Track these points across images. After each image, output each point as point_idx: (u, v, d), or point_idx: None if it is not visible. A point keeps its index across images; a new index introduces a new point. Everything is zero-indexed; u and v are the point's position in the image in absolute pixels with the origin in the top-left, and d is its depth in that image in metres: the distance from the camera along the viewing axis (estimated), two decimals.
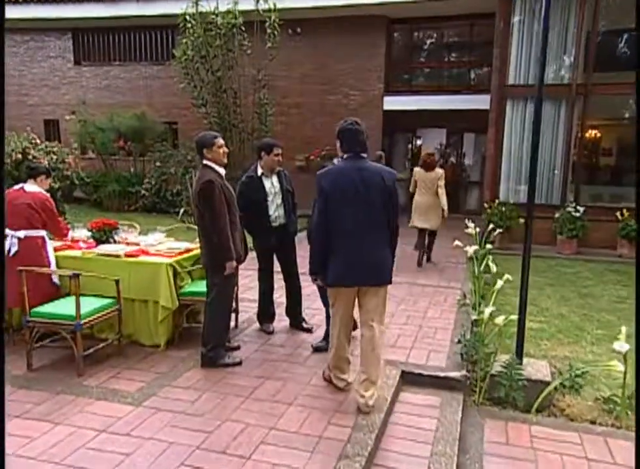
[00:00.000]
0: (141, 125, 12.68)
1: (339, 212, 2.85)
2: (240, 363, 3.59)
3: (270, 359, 3.75)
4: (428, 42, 13.14)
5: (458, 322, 4.77)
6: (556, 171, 9.22)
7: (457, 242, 5.84)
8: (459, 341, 4.21)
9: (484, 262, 5.74)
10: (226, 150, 3.39)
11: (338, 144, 2.96)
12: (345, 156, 2.94)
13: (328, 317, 3.61)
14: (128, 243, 4.25)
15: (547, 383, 3.34)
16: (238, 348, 3.90)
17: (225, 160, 3.38)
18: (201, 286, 3.87)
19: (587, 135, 9.71)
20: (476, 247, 5.25)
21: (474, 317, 4.63)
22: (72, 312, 3.36)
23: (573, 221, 8.54)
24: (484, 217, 9.11)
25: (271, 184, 4.06)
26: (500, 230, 6.76)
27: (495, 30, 9.56)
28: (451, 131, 13.45)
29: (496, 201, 9.20)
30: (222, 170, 3.39)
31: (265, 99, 11.04)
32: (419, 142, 14.02)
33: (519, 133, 9.35)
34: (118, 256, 3.88)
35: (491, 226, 7.59)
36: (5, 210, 3.27)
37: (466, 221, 7.24)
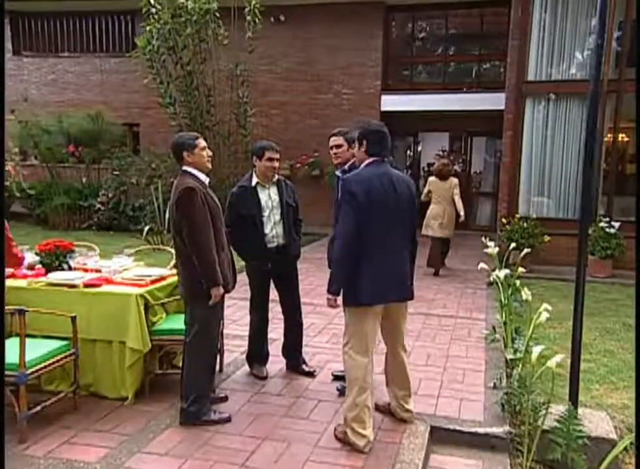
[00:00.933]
0: (95, 127, 12.48)
1: (371, 221, 2.98)
2: (229, 420, 3.42)
3: (266, 412, 3.59)
4: (431, 33, 13.24)
5: (490, 362, 4.62)
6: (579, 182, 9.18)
7: (482, 265, 5.76)
8: (495, 386, 4.04)
9: (511, 289, 5.67)
10: (210, 153, 3.35)
11: (361, 148, 3.10)
12: (369, 160, 3.08)
13: None
14: (86, 270, 4.03)
15: (612, 442, 3.14)
16: (225, 399, 3.74)
17: (210, 165, 3.34)
18: (179, 322, 3.74)
19: (620, 139, 9.75)
20: (507, 271, 5.09)
21: (509, 356, 4.46)
22: (15, 359, 3.12)
23: (608, 239, 8.48)
24: (502, 235, 9.04)
25: (268, 196, 3.98)
26: (529, 250, 6.63)
27: (511, 19, 9.61)
28: (455, 134, 13.52)
29: (517, 216, 9.11)
30: (205, 178, 3.32)
31: (244, 97, 10.98)
32: (419, 148, 14.11)
33: (541, 137, 9.35)
34: (74, 286, 3.72)
35: (513, 245, 7.49)
36: (5, 210, 3.05)
37: (484, 239, 7.15)
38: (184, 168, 3.30)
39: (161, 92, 10.84)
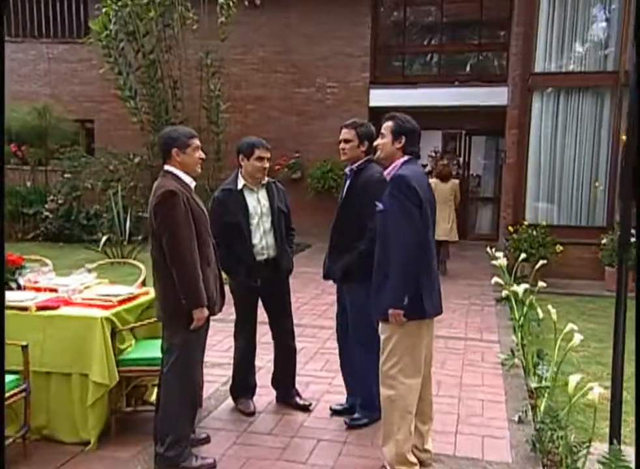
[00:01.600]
0: (42, 123, 12.21)
1: (427, 222, 3.10)
2: (213, 466, 3.29)
3: (257, 456, 3.45)
4: (425, 19, 13.29)
5: (510, 392, 4.53)
6: (598, 184, 9.23)
7: (496, 279, 5.68)
8: (520, 420, 3.93)
9: (526, 306, 5.67)
10: (202, 155, 3.31)
11: (396, 144, 3.19)
12: (406, 158, 3.20)
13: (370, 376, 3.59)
14: (39, 289, 3.88)
15: None
16: (207, 440, 3.61)
17: (199, 169, 3.31)
18: (152, 350, 3.64)
19: None
20: (525, 285, 5.02)
21: (532, 384, 4.37)
22: None
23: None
24: (508, 244, 9.03)
25: (256, 201, 3.92)
26: (545, 262, 6.58)
27: (515, 4, 9.66)
28: (450, 133, 13.56)
29: (525, 223, 9.10)
30: (191, 181, 3.28)
31: (216, 90, 10.89)
32: None
33: (550, 135, 9.40)
34: (25, 309, 3.55)
35: (523, 256, 7.46)
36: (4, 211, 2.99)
37: (489, 249, 7.09)
38: (167, 168, 3.24)
39: (119, 83, 10.65)
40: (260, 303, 4.05)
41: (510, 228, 9.17)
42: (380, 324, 3.20)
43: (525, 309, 5.69)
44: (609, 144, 9.14)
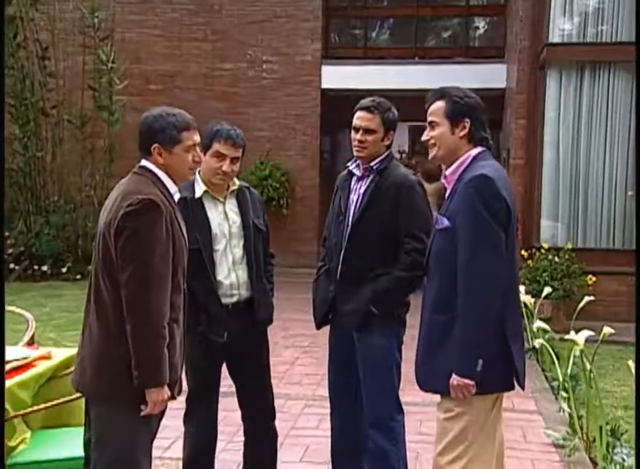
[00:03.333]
0: None
1: (512, 248, 3.04)
2: None
3: None
4: None
5: None
6: (632, 193, 9.32)
7: (540, 323, 5.57)
8: None
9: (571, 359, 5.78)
10: (199, 157, 3.17)
11: (457, 131, 3.09)
12: (477, 151, 3.10)
13: None
14: None
15: None
16: None
17: (191, 176, 3.29)
18: (61, 446, 3.54)
19: None
20: (588, 332, 4.93)
21: None
22: None
23: None
24: (521, 274, 8.90)
25: (223, 216, 3.86)
26: (592, 298, 6.47)
27: None
28: (423, 127, 13.64)
29: (544, 246, 9.07)
30: (175, 189, 3.15)
31: (109, 63, 10.83)
32: None
33: (572, 127, 9.49)
34: None
35: (547, 290, 7.45)
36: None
37: None
38: (146, 164, 3.09)
39: None
40: (224, 367, 3.98)
41: (524, 253, 9.09)
42: (441, 398, 3.08)
43: (571, 365, 5.72)
44: None
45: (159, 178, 3.08)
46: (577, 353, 5.67)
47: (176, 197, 3.17)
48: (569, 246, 9.01)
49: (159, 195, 2.99)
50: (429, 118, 3.14)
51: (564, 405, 5.59)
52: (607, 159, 9.38)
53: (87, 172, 11.25)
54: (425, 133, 3.17)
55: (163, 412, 3.17)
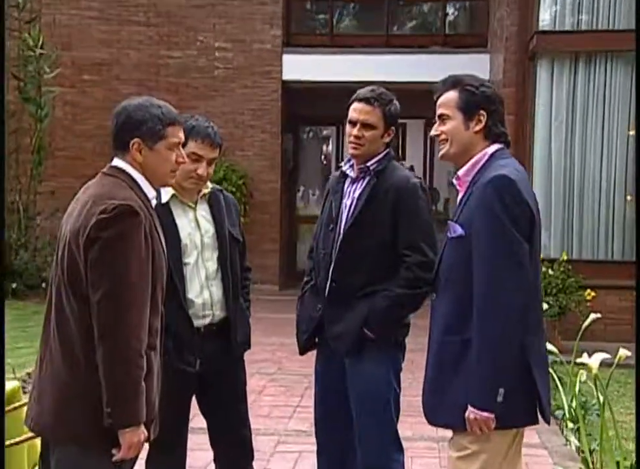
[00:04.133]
0: None
1: (536, 261, 3.02)
2: None
3: None
4: None
5: None
6: (630, 198, 9.45)
7: (550, 347, 5.64)
8: None
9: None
10: (184, 158, 3.17)
11: (472, 125, 3.08)
12: (495, 148, 3.09)
13: None
14: None
15: None
16: None
17: (172, 181, 3.24)
18: None
19: None
20: (603, 355, 4.93)
21: None
22: None
23: None
24: None
25: (194, 225, 3.85)
26: (598, 316, 6.53)
27: None
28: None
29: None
30: (152, 192, 3.13)
31: (37, 47, 10.77)
32: (340, 146, 14.29)
33: (566, 124, 9.59)
34: None
35: (544, 306, 7.48)
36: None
37: None
38: (118, 164, 3.03)
39: None
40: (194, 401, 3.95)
41: None
42: (454, 434, 3.05)
43: (576, 392, 5.77)
44: None
45: (135, 181, 3.02)
46: (583, 378, 5.74)
47: (153, 200, 3.14)
48: (564, 257, 9.07)
49: (137, 200, 2.95)
50: (439, 111, 3.12)
51: (572, 438, 5.61)
52: (604, 159, 9.49)
53: (11, 174, 11.03)
54: (435, 127, 3.15)
55: (137, 456, 3.11)
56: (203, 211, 3.85)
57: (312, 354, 3.98)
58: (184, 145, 3.52)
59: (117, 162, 3.03)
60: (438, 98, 3.14)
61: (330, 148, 14.31)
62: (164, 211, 3.68)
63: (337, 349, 3.75)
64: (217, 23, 12.44)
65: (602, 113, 9.47)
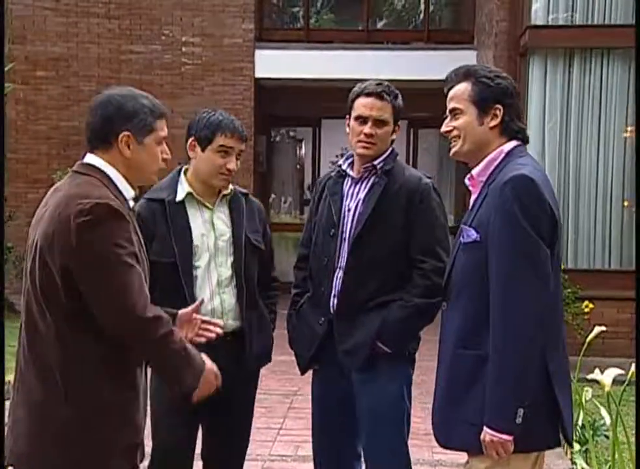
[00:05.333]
0: None
1: (557, 269, 3.01)
2: None
3: None
4: None
5: None
6: (628, 203, 9.47)
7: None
8: None
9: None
10: (167, 154, 3.15)
11: (487, 120, 3.06)
12: (512, 145, 3.10)
13: None
14: None
15: None
16: None
17: (156, 178, 3.26)
18: None
19: None
20: (616, 371, 5.04)
21: None
22: None
23: None
24: None
25: (209, 226, 3.84)
26: (603, 328, 6.48)
27: None
28: None
29: None
30: (130, 192, 3.10)
31: None
32: (318, 148, 14.37)
33: (560, 126, 9.58)
34: None
35: None
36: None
37: None
38: (92, 161, 2.99)
39: None
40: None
41: None
42: (469, 457, 3.03)
43: (583, 411, 5.77)
44: None
45: (111, 180, 2.97)
46: (589, 396, 5.70)
47: (131, 200, 3.10)
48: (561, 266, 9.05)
49: (114, 199, 2.90)
50: (451, 105, 3.09)
51: (580, 461, 5.52)
52: (600, 163, 9.48)
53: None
54: (446, 122, 3.12)
55: None
56: (221, 213, 3.86)
57: (292, 372, 3.94)
58: (211, 141, 3.72)
59: (91, 159, 2.98)
60: (449, 91, 3.12)
61: (303, 151, 14.44)
62: (178, 209, 3.75)
63: (348, 365, 3.72)
64: (183, 15, 12.43)
65: (598, 113, 9.47)
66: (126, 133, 2.95)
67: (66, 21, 12.51)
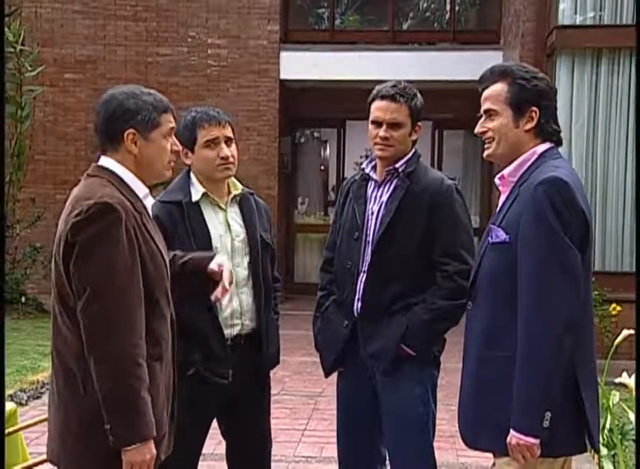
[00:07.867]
0: None
1: (588, 272, 2.99)
2: None
3: None
4: None
5: None
6: None
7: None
8: None
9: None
10: (177, 146, 3.16)
11: (523, 122, 3.04)
12: (547, 145, 3.07)
13: None
14: None
15: None
16: None
17: (169, 173, 3.18)
18: None
19: None
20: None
21: None
22: None
23: None
24: None
25: (225, 227, 3.85)
26: (631, 332, 6.43)
27: None
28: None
29: None
30: (144, 190, 3.10)
31: (18, 43, 10.81)
32: (343, 149, 14.31)
33: (587, 127, 9.54)
34: None
35: None
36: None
37: None
38: (104, 163, 3.01)
39: None
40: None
41: None
42: (495, 459, 3.02)
43: (611, 414, 5.68)
44: None
45: (120, 178, 2.98)
46: (616, 399, 5.68)
47: (148, 202, 3.10)
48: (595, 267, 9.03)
49: (118, 196, 2.89)
50: (486, 105, 3.08)
51: (608, 465, 5.44)
52: (628, 164, 9.38)
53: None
54: (480, 123, 3.11)
55: None
56: (234, 213, 3.86)
57: (316, 373, 3.91)
58: (194, 140, 3.72)
59: (103, 161, 3.02)
60: (484, 90, 3.10)
61: (328, 152, 14.36)
62: (195, 210, 3.75)
63: (373, 368, 3.72)
64: (209, 17, 12.47)
65: (627, 113, 9.39)
66: (131, 130, 2.96)
67: (94, 23, 12.59)
